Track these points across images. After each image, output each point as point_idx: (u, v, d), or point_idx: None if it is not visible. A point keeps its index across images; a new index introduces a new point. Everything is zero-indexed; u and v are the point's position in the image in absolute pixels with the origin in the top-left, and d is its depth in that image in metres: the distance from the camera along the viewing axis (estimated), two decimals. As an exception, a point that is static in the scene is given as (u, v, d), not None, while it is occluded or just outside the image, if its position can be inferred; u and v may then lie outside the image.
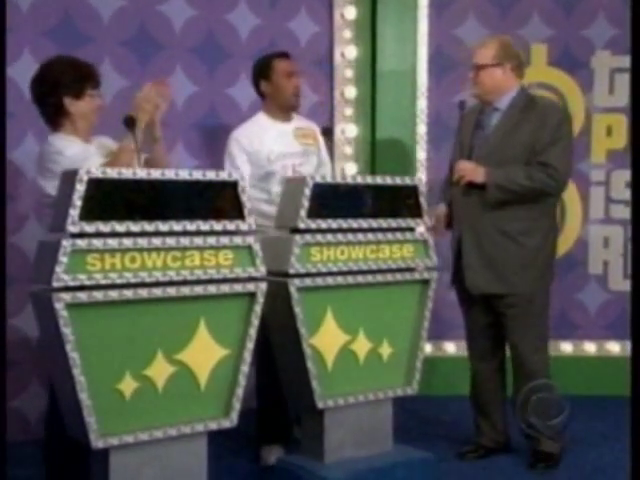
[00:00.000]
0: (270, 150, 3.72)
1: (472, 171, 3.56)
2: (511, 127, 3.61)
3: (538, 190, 3.58)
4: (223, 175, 2.86)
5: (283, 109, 3.84)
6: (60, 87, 3.07)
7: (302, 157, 3.71)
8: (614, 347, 4.93)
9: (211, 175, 2.82)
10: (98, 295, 2.57)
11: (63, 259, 2.51)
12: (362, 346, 3.29)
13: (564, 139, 3.62)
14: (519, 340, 3.66)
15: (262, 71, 3.83)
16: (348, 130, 4.87)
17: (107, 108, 4.09)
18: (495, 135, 3.64)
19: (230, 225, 2.85)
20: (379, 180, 3.31)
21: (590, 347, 4.91)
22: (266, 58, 3.86)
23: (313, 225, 3.12)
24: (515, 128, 3.60)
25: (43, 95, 3.12)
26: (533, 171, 3.55)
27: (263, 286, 2.91)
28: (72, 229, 2.53)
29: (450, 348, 4.91)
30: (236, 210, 2.86)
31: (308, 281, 3.11)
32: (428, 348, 4.69)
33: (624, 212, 4.85)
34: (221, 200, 2.85)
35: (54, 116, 3.13)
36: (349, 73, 4.87)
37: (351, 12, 4.84)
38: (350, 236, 3.21)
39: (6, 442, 3.23)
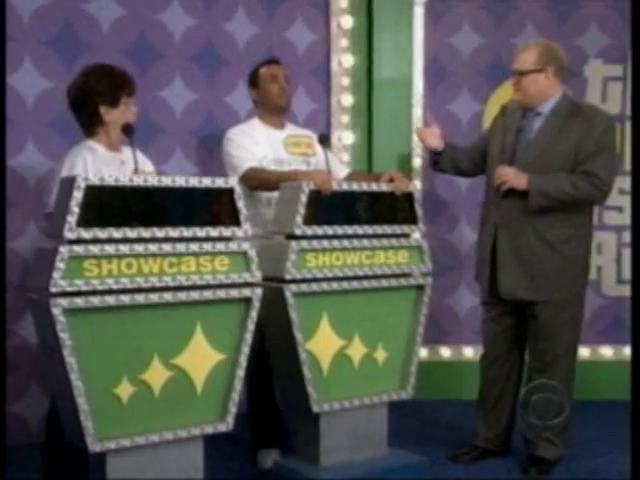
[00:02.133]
0: (264, 154, 3.75)
1: (515, 177, 3.52)
2: (555, 134, 3.58)
3: (582, 199, 3.58)
4: (219, 182, 2.89)
5: (273, 112, 3.86)
6: (96, 96, 3.13)
7: (289, 166, 3.75)
8: (607, 352, 4.95)
9: (207, 182, 2.86)
10: (95, 300, 2.60)
11: (60, 265, 2.54)
12: (357, 351, 3.32)
13: (609, 148, 3.59)
14: (546, 347, 3.65)
15: (251, 80, 3.89)
16: (345, 137, 4.89)
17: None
18: (538, 141, 3.60)
19: (226, 231, 2.88)
20: (374, 187, 3.35)
21: (584, 352, 4.90)
22: (256, 67, 3.91)
23: (309, 231, 3.15)
24: (559, 135, 3.57)
25: (79, 103, 3.17)
26: (578, 180, 3.52)
27: (259, 291, 2.94)
28: (69, 235, 2.57)
29: (446, 353, 4.92)
30: (232, 216, 2.90)
31: (304, 287, 3.14)
32: (424, 353, 4.72)
33: (617, 218, 4.88)
34: (217, 207, 2.89)
35: (89, 124, 3.19)
36: (346, 81, 4.90)
37: (348, 21, 4.87)
38: (345, 242, 3.24)
39: (5, 444, 3.27)
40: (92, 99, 3.14)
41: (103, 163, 3.12)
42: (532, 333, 3.71)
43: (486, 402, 3.86)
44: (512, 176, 3.53)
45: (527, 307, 3.67)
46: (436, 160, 3.91)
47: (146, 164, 3.28)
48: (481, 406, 3.89)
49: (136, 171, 3.01)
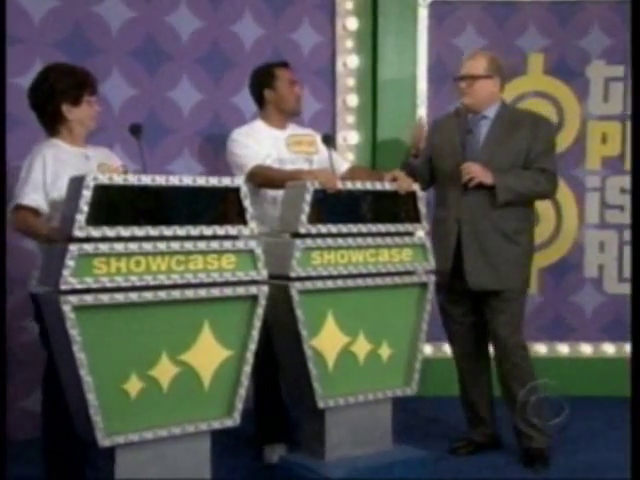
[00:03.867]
0: (268, 153, 3.80)
1: (482, 173, 3.64)
2: (504, 136, 3.75)
3: (540, 194, 3.83)
4: (226, 181, 2.92)
5: (285, 115, 3.92)
6: (58, 94, 3.14)
7: (292, 165, 3.80)
8: (609, 348, 4.98)
9: (214, 181, 2.89)
10: (104, 298, 2.63)
11: (70, 263, 2.57)
12: (362, 347, 3.35)
13: (554, 148, 3.86)
14: (509, 334, 3.74)
15: (265, 79, 3.90)
16: (350, 137, 4.95)
17: (114, 116, 4.23)
18: (489, 142, 3.76)
19: (232, 230, 2.91)
20: (378, 186, 3.38)
21: (586, 348, 4.97)
22: (268, 67, 3.94)
23: (314, 230, 3.19)
24: (508, 137, 3.74)
25: (41, 102, 3.18)
26: (537, 176, 3.72)
27: (265, 289, 2.97)
28: (79, 234, 2.60)
29: (449, 350, 4.94)
30: (238, 215, 2.93)
31: (309, 284, 3.17)
32: (428, 349, 4.75)
33: (619, 217, 4.92)
34: (224, 205, 2.92)
35: (51, 123, 3.20)
36: (351, 82, 4.95)
37: (353, 23, 4.92)
38: (350, 240, 3.27)
39: (6, 442, 3.30)
40: (54, 98, 3.15)
41: (66, 159, 3.14)
42: (496, 324, 3.78)
43: (470, 398, 3.95)
44: (480, 172, 3.65)
45: (490, 299, 3.76)
46: (410, 162, 3.97)
47: (113, 160, 3.32)
48: (466, 403, 3.98)
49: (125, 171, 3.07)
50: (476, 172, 3.65)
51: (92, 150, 3.28)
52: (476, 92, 3.75)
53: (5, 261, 3.60)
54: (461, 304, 3.88)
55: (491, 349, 3.92)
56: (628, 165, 4.84)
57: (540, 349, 4.96)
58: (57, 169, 3.05)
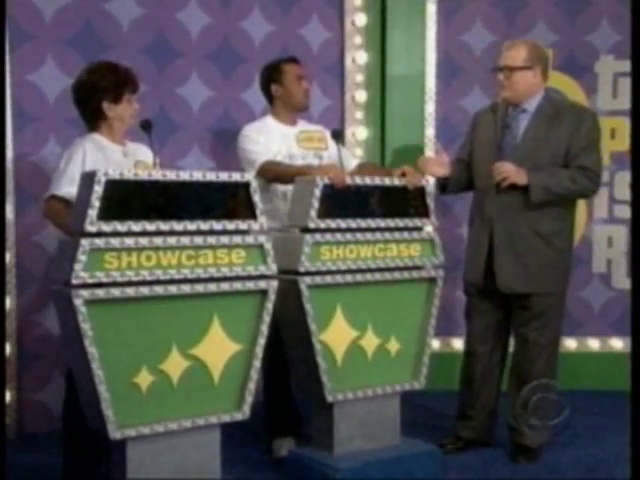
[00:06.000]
0: (278, 149, 3.82)
1: (515, 173, 3.55)
2: (544, 130, 3.63)
3: (579, 193, 3.68)
4: (236, 176, 2.93)
5: (294, 111, 3.93)
6: (99, 91, 3.21)
7: (302, 161, 3.81)
8: (617, 343, 4.98)
9: (224, 176, 2.90)
10: (115, 292, 2.66)
11: (82, 257, 2.60)
12: (370, 342, 3.36)
13: (598, 143, 3.69)
14: (536, 338, 3.68)
15: (273, 75, 3.92)
16: (358, 133, 4.96)
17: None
18: (527, 137, 3.65)
19: (242, 225, 2.92)
20: (387, 181, 3.39)
21: (594, 343, 4.97)
22: (276, 63, 3.95)
23: (323, 225, 3.20)
24: (548, 131, 3.62)
25: (83, 99, 3.25)
26: (575, 174, 3.59)
27: (274, 284, 2.98)
28: (90, 229, 2.62)
29: (457, 344, 4.92)
30: (248, 210, 2.94)
31: (318, 279, 3.19)
32: (436, 344, 4.77)
33: (627, 212, 4.87)
34: (234, 201, 2.93)
35: (92, 119, 3.27)
36: (359, 78, 4.96)
37: (361, 19, 4.93)
38: (359, 235, 3.29)
39: (6, 440, 3.32)
40: (96, 95, 3.21)
41: (105, 154, 3.20)
42: (522, 324, 3.73)
43: (472, 394, 3.86)
44: (513, 172, 3.56)
45: (520, 299, 3.70)
46: (444, 185, 3.89)
47: (148, 157, 3.34)
48: (465, 398, 3.89)
49: (154, 165, 3.09)
50: (508, 172, 3.55)
51: (130, 147, 3.33)
52: (514, 84, 3.62)
53: (5, 261, 3.63)
54: (489, 301, 3.77)
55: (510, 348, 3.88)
56: (637, 160, 4.85)
57: (548, 344, 4.97)
58: (96, 162, 3.10)
